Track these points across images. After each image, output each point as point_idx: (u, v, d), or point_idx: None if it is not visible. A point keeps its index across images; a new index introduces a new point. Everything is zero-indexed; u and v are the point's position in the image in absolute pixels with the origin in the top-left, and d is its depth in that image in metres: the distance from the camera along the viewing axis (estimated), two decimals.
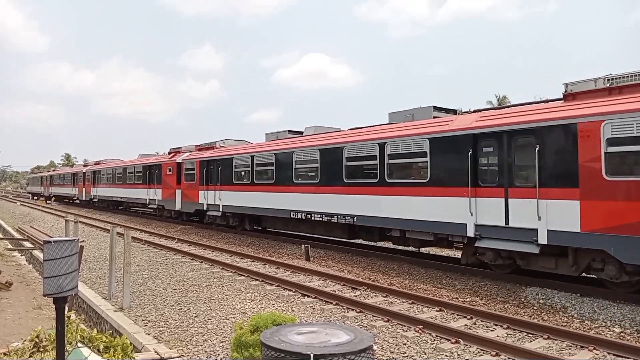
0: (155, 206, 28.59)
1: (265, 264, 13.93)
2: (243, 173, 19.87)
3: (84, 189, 43.01)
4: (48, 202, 52.37)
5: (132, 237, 15.19)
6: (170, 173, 26.13)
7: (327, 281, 11.56)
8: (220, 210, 20.97)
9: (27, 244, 20.57)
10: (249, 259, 14.77)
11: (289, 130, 19.32)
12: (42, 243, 4.63)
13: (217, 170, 21.44)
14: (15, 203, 51.86)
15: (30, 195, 68.95)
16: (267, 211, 17.96)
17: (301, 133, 18.70)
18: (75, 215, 20.59)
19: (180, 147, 27.58)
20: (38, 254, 17.20)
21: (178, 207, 25.25)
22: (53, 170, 63.68)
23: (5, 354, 6.12)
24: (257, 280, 11.79)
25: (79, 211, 36.32)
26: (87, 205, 43.44)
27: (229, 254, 15.82)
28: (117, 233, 11.70)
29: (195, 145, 26.22)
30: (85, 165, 43.35)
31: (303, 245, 15.14)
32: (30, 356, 5.95)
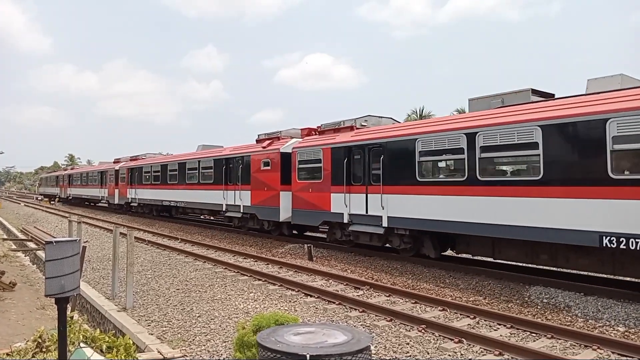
0: (238, 214, 20.42)
1: (268, 264, 13.93)
2: (431, 165, 12.93)
3: (116, 191, 35.12)
4: (52, 202, 52.60)
5: (135, 237, 15.22)
6: (269, 168, 18.51)
7: (330, 281, 11.55)
8: (385, 223, 13.26)
9: (31, 245, 20.65)
10: (252, 259, 14.78)
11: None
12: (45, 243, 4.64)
13: (375, 161, 13.77)
14: (20, 204, 52.08)
15: (41, 197, 62.64)
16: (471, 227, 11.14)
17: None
18: (78, 216, 20.63)
19: (278, 132, 19.97)
20: (42, 254, 17.25)
21: (285, 216, 17.62)
22: (72, 169, 55.99)
23: (8, 354, 6.14)
24: (259, 280, 11.79)
25: (108, 217, 31.46)
26: (120, 210, 35.42)
27: (231, 254, 15.84)
28: (120, 233, 11.71)
29: (301, 129, 19.19)
30: (116, 162, 36.86)
31: (306, 245, 15.12)
32: (33, 356, 5.97)
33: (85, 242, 17.48)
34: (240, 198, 20.07)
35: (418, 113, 47.89)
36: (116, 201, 35.03)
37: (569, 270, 10.28)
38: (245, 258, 15.04)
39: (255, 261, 14.47)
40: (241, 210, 20.06)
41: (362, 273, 12.54)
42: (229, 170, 21.23)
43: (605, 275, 11.46)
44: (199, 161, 23.97)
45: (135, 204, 31.98)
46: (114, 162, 36.61)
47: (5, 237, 25.50)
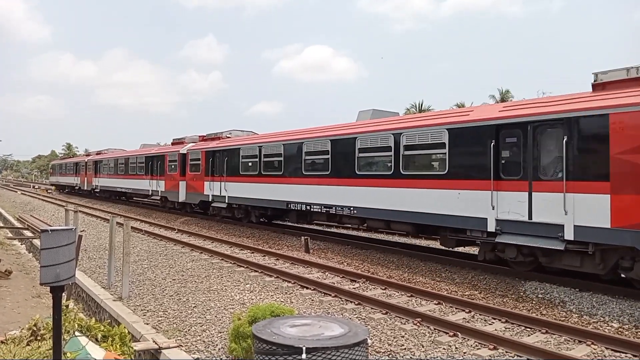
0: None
1: (264, 256, 13.94)
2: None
3: (183, 183, 24.62)
4: (49, 191, 52.41)
5: (132, 227, 15.19)
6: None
7: (327, 273, 11.57)
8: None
9: (27, 233, 20.62)
10: (249, 250, 14.78)
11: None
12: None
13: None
14: (16, 192, 51.93)
15: (50, 189, 54.81)
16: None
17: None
18: (75, 205, 20.62)
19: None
20: (38, 242, 17.22)
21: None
22: (98, 153, 41.95)
23: (2, 342, 6.13)
24: (256, 271, 11.80)
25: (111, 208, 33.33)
26: (200, 215, 24.30)
27: (228, 245, 15.83)
28: (117, 223, 11.69)
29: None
30: (178, 143, 27.09)
31: (303, 237, 15.14)
32: (28, 344, 5.96)
33: (82, 231, 17.45)
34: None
35: (417, 107, 47.98)
36: (181, 198, 24.77)
37: (562, 267, 10.28)
38: (242, 249, 15.04)
39: (252, 253, 14.47)
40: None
41: (359, 266, 12.56)
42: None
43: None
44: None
45: (223, 206, 21.13)
46: (176, 143, 27.42)
47: (1, 225, 25.46)
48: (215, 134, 23.78)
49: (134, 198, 36.76)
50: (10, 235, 22.07)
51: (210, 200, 21.85)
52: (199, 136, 25.66)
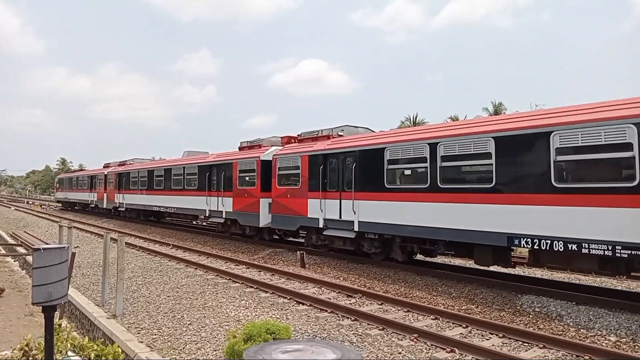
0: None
1: (260, 271, 13.85)
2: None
3: (263, 203, 18.09)
4: (43, 207, 52.12)
5: (127, 243, 15.09)
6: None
7: (323, 288, 11.50)
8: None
9: (21, 250, 20.42)
10: (244, 266, 14.69)
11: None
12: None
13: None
14: (10, 208, 51.58)
15: (51, 205, 50.18)
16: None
17: None
18: (69, 221, 20.47)
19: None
20: (31, 259, 17.06)
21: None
22: (121, 164, 34.78)
23: None
24: (251, 287, 11.71)
25: (99, 221, 33.46)
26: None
27: (223, 261, 15.74)
28: (111, 239, 11.61)
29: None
30: (254, 147, 20.19)
31: (298, 252, 15.07)
32: None
33: (75, 247, 17.33)
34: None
35: (412, 120, 48.23)
36: (263, 222, 18.00)
37: (560, 279, 10.29)
38: (237, 265, 14.95)
39: (247, 268, 14.38)
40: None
41: (355, 280, 12.49)
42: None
43: (596, 285, 11.54)
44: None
45: (349, 235, 14.41)
46: (250, 148, 20.49)
47: None
48: (316, 133, 16.99)
49: (166, 218, 30.70)
50: (3, 252, 21.86)
51: (321, 225, 15.23)
52: (282, 137, 19.66)
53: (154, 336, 8.18)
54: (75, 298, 10.94)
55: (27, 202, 62.50)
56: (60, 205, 51.57)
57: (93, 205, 38.94)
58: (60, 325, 7.40)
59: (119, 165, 35.29)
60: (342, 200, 14.43)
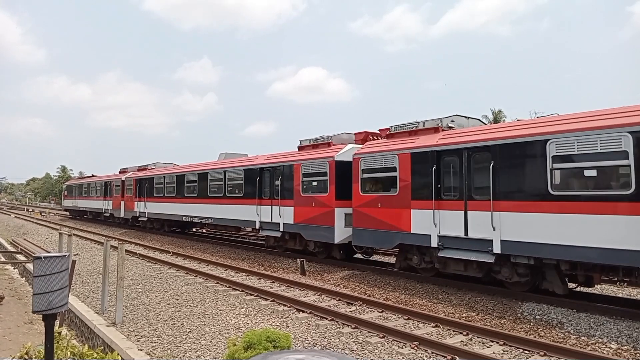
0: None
1: (260, 278, 13.83)
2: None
3: (340, 215, 14.83)
4: (43, 214, 52.10)
5: (126, 251, 15.07)
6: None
7: (323, 296, 11.47)
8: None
9: (21, 257, 20.39)
10: (244, 273, 14.67)
11: None
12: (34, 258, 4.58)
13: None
14: (10, 215, 51.55)
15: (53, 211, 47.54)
16: None
17: None
18: (69, 228, 20.45)
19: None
20: (31, 267, 17.04)
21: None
22: (141, 169, 31.69)
23: None
24: (251, 294, 11.69)
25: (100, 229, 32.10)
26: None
27: (223, 268, 15.71)
28: (111, 246, 11.60)
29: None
30: (316, 145, 17.08)
31: (299, 259, 15.04)
32: None
33: (75, 255, 17.31)
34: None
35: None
36: (338, 237, 14.72)
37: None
38: (237, 272, 14.92)
39: (247, 275, 14.36)
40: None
41: (355, 288, 12.47)
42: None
43: (597, 292, 11.51)
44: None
45: (486, 259, 10.82)
46: (314, 147, 17.08)
47: None
48: (414, 125, 13.43)
49: (195, 229, 28.40)
50: (3, 259, 21.82)
51: (435, 244, 11.62)
52: (356, 133, 16.59)
53: (154, 344, 8.15)
54: (75, 306, 10.91)
55: (27, 210, 62.44)
56: (67, 213, 48.11)
57: (107, 214, 35.56)
58: (60, 333, 7.38)
59: (138, 170, 31.88)
60: (470, 212, 11.00)
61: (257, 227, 18.28)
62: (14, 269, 19.70)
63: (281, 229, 16.97)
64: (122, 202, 32.03)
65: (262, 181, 18.29)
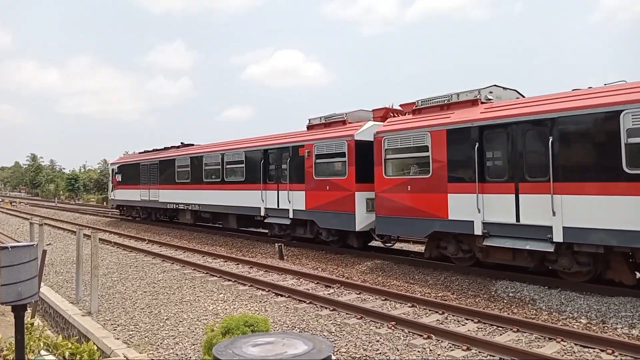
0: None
1: (238, 264, 13.79)
2: None
3: None
4: (13, 204, 50.78)
5: (101, 239, 14.82)
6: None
7: (301, 279, 11.52)
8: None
9: None
10: (222, 259, 14.60)
11: None
12: None
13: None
14: None
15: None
16: None
17: None
18: (40, 218, 19.99)
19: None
20: None
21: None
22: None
23: None
24: (229, 280, 11.66)
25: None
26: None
27: (201, 255, 15.61)
28: (84, 235, 11.39)
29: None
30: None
31: (277, 244, 15.04)
32: None
33: (47, 244, 16.94)
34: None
35: None
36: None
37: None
38: (214, 258, 14.84)
39: (225, 261, 14.30)
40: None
41: (333, 271, 12.55)
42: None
43: None
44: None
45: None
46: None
47: None
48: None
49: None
50: None
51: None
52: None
53: (131, 332, 8.07)
54: (48, 296, 10.71)
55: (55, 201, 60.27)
56: (119, 211, 31.12)
57: (286, 222, 21.01)
58: (32, 324, 7.25)
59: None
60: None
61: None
62: None
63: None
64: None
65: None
